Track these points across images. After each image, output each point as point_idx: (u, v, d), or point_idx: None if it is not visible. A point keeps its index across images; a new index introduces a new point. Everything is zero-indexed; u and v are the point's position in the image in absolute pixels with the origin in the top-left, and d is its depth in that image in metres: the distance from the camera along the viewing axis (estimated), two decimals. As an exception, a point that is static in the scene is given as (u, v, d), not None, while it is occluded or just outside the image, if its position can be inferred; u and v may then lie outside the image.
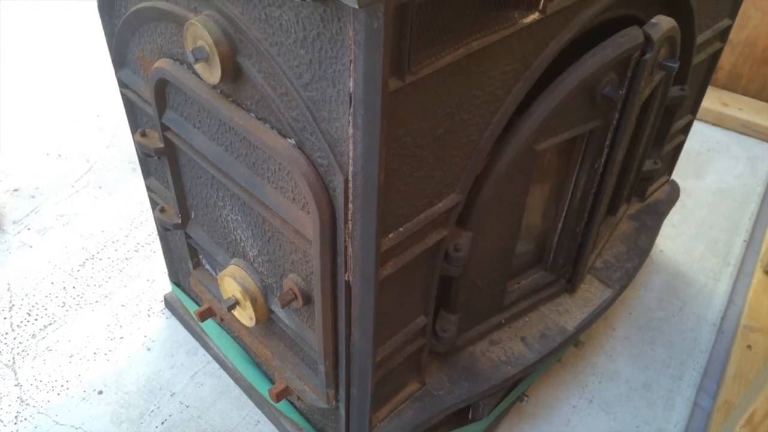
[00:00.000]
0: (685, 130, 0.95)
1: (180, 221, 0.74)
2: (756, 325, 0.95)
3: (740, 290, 1.03)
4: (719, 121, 1.39)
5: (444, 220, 0.56)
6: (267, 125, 0.52)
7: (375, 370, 0.61)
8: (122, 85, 0.70)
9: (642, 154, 0.82)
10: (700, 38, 0.78)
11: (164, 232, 0.83)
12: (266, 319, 0.69)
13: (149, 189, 0.80)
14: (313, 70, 0.44)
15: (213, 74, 0.51)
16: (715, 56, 0.86)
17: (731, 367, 0.88)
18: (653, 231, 0.93)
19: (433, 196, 0.54)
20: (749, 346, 0.91)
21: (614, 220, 0.87)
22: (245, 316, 0.69)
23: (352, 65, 0.41)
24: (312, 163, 0.49)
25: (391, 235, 0.51)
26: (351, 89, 0.42)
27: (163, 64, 0.59)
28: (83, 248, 1.05)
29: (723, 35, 0.84)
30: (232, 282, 0.67)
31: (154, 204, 0.81)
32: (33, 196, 1.16)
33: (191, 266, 0.79)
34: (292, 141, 0.50)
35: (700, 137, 1.36)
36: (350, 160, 0.46)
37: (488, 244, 0.65)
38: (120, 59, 0.68)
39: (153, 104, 0.64)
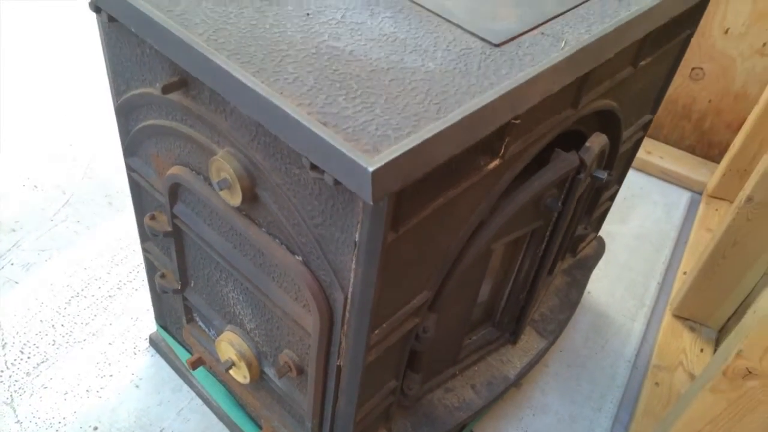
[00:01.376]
0: (612, 197, 1.10)
1: (179, 287, 0.83)
2: (663, 364, 1.12)
3: (652, 330, 1.21)
4: (643, 167, 1.57)
5: (417, 311, 0.69)
6: (277, 241, 0.63)
7: (355, 427, 0.73)
8: (131, 169, 0.79)
9: (574, 228, 0.97)
10: (625, 134, 0.93)
11: (159, 288, 0.93)
12: (259, 378, 0.80)
13: (146, 251, 0.89)
14: (324, 217, 0.56)
15: (234, 199, 0.62)
16: (638, 143, 1.02)
17: (641, 403, 1.05)
18: (582, 284, 1.09)
19: (411, 296, 0.66)
20: (657, 383, 1.09)
21: (551, 278, 1.02)
22: (240, 374, 0.80)
23: (359, 224, 0.53)
24: (316, 278, 0.61)
25: (377, 332, 0.63)
26: (356, 238, 0.54)
27: (179, 171, 0.69)
28: (68, 285, 1.13)
29: (645, 127, 1.00)
30: (228, 347, 0.78)
31: (150, 265, 0.90)
32: (13, 230, 1.21)
33: (184, 321, 0.89)
34: (300, 258, 0.61)
35: (627, 183, 1.53)
36: (350, 284, 0.58)
37: (450, 320, 0.78)
38: (131, 151, 0.77)
39: (165, 197, 0.73)
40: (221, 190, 0.61)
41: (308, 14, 0.62)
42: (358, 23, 0.62)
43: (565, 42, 0.64)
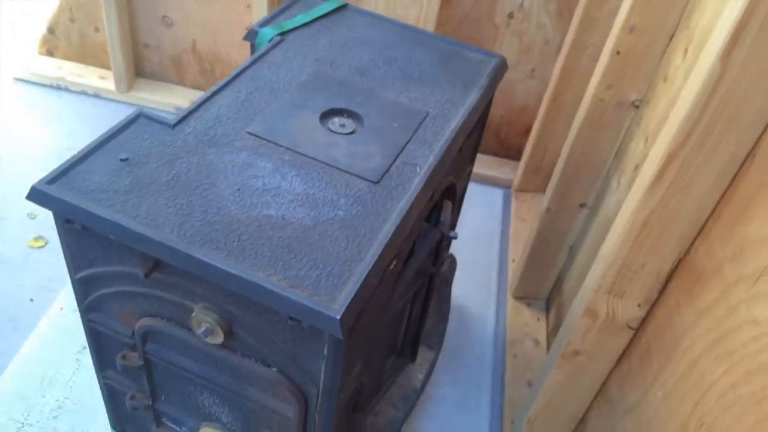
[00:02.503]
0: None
1: (151, 403, 0.99)
2: (515, 338, 1.48)
3: (501, 313, 1.57)
4: (463, 175, 1.92)
5: (358, 375, 0.94)
6: (253, 360, 0.83)
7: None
8: (91, 321, 0.93)
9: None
10: (459, 187, 1.24)
11: (129, 407, 1.07)
12: (239, 454, 0.99)
13: (106, 378, 1.03)
14: (296, 342, 0.78)
15: (215, 340, 0.81)
16: (466, 186, 1.33)
17: (508, 373, 1.40)
18: (448, 297, 1.40)
19: (354, 367, 0.91)
20: (515, 356, 1.44)
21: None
22: (222, 456, 0.99)
23: (326, 344, 0.76)
24: (292, 380, 0.83)
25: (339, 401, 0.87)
26: (325, 353, 0.77)
27: (151, 322, 0.86)
28: (10, 419, 1.20)
29: (470, 174, 1.31)
30: (210, 438, 0.97)
31: (110, 389, 1.04)
32: (-73, 381, 1.24)
33: (154, 426, 1.05)
34: (275, 369, 0.83)
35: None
36: (321, 380, 0.81)
37: (374, 367, 1.04)
38: (92, 309, 0.91)
39: (138, 343, 0.89)
40: (206, 337, 0.80)
41: (239, 189, 0.82)
42: (276, 188, 0.84)
43: (419, 167, 0.92)
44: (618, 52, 1.16)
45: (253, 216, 0.79)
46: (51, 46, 1.99)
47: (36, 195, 0.78)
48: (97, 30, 1.92)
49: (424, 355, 1.27)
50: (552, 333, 1.47)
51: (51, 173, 0.80)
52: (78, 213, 0.76)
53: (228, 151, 0.88)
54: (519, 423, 1.22)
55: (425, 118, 1.01)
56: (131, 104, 1.94)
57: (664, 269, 0.87)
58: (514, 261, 1.67)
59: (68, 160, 0.82)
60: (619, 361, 1.00)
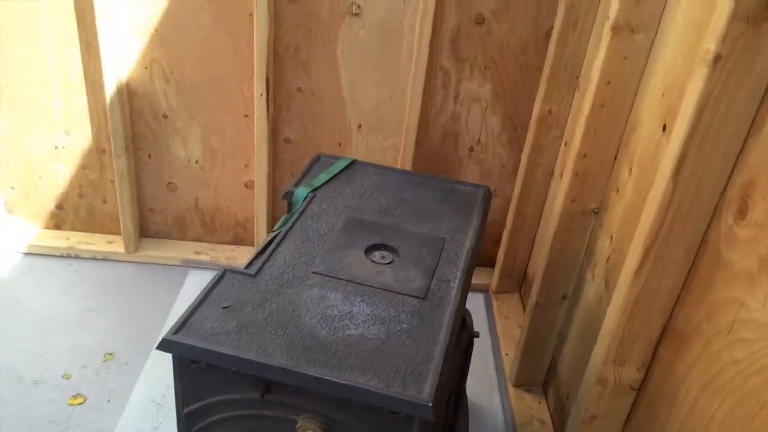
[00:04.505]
0: (461, 329, 1.64)
1: None
2: (523, 421, 1.67)
3: (506, 401, 1.76)
4: (448, 287, 2.17)
5: (425, 463, 1.10)
6: (349, 458, 1.00)
7: None
8: (193, 450, 1.07)
9: (458, 363, 1.48)
10: (466, 296, 1.47)
11: None
12: None
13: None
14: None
15: (319, 445, 0.98)
16: (469, 294, 1.57)
17: None
18: (465, 393, 1.59)
19: None
20: None
21: (451, 400, 1.50)
22: None
23: (416, 427, 0.94)
24: (384, 470, 0.99)
25: None
26: (414, 439, 0.95)
27: (256, 439, 1.02)
28: None
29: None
30: None
31: None
32: None
33: None
34: (369, 462, 0.99)
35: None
36: (411, 465, 0.98)
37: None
38: (197, 437, 1.06)
39: (240, 460, 1.04)
40: (312, 444, 0.97)
41: (321, 318, 1.03)
42: (349, 313, 1.05)
43: (452, 282, 1.15)
44: (576, 174, 1.47)
45: (340, 337, 1.00)
46: (59, 221, 2.17)
47: (166, 344, 0.96)
48: (104, 201, 2.13)
49: (460, 447, 1.44)
50: (554, 412, 1.66)
51: (173, 326, 0.98)
52: (204, 354, 0.94)
53: (303, 289, 1.09)
54: (551, 497, 1.39)
55: (444, 243, 1.26)
56: (140, 263, 2.12)
57: (653, 336, 1.12)
58: (507, 354, 1.89)
59: (184, 313, 1.01)
60: (627, 419, 1.21)
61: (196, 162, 2.10)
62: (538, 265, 1.81)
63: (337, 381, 0.91)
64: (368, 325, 1.03)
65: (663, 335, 1.11)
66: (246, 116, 2.03)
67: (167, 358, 1.71)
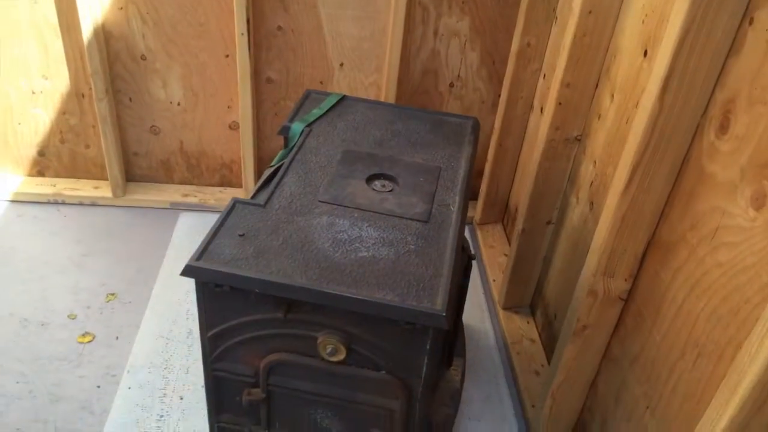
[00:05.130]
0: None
1: (267, 433, 1.20)
2: (514, 340, 1.78)
3: (496, 323, 1.86)
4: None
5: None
6: (365, 368, 1.08)
7: (419, 456, 1.20)
8: (216, 370, 1.14)
9: (452, 286, 1.56)
10: (458, 223, 1.54)
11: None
12: (346, 461, 1.21)
13: (221, 422, 1.22)
14: (405, 343, 1.03)
15: (338, 357, 1.05)
16: (459, 222, 1.64)
17: (516, 367, 1.69)
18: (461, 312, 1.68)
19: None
20: (518, 353, 1.73)
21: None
22: (333, 465, 1.20)
23: (429, 339, 1.02)
24: (399, 378, 1.07)
25: (429, 392, 1.13)
26: (428, 346, 1.03)
27: (277, 357, 1.08)
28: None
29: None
30: (322, 451, 1.18)
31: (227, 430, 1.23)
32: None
33: (265, 457, 1.24)
34: (384, 372, 1.07)
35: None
36: (423, 372, 1.06)
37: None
38: (218, 359, 1.12)
39: (262, 377, 1.11)
40: (332, 357, 1.04)
41: (333, 242, 1.09)
42: (359, 237, 1.11)
43: (451, 206, 1.22)
44: (560, 103, 1.53)
45: (353, 258, 1.06)
46: (42, 167, 2.15)
47: (191, 270, 1.00)
48: (87, 147, 2.12)
49: (456, 361, 1.53)
50: (543, 330, 1.78)
51: (195, 253, 1.03)
52: (228, 278, 1.00)
53: (312, 217, 1.14)
54: (539, 404, 1.50)
55: (440, 171, 1.31)
56: (128, 207, 2.13)
57: (639, 250, 1.21)
58: (494, 280, 1.99)
59: (202, 242, 1.05)
60: (616, 327, 1.32)
61: (178, 104, 2.09)
62: (522, 194, 1.89)
63: (356, 297, 0.98)
64: (378, 247, 1.09)
65: (649, 247, 1.20)
66: (227, 56, 2.02)
67: (171, 295, 1.75)
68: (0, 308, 1.69)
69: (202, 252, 1.03)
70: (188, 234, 2.02)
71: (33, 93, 2.02)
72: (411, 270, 1.05)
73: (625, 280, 1.25)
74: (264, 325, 1.06)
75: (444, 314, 0.96)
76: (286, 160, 1.29)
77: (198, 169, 2.22)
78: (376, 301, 0.97)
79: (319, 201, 1.18)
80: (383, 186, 1.25)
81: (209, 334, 1.09)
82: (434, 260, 1.07)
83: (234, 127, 2.14)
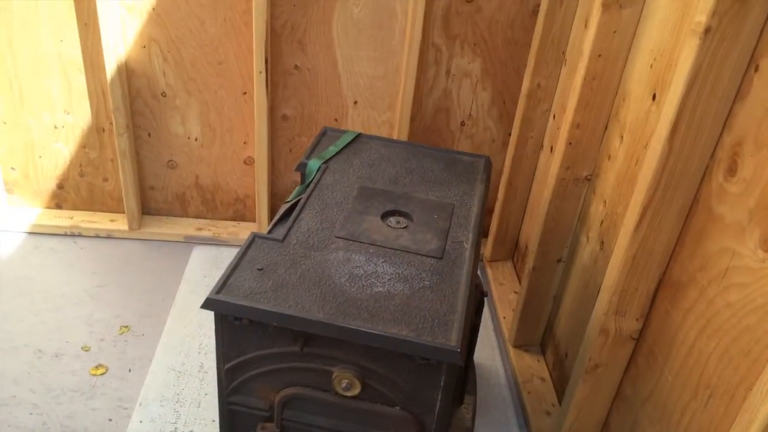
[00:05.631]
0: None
1: (279, 467, 1.20)
2: (524, 378, 1.78)
3: (506, 361, 1.86)
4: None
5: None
6: (379, 403, 1.09)
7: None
8: (231, 404, 1.15)
9: (464, 323, 1.57)
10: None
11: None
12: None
13: (233, 457, 1.22)
14: (419, 380, 1.05)
15: (353, 392, 1.06)
16: (471, 259, 1.66)
17: (527, 406, 1.69)
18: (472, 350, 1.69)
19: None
20: (529, 392, 1.73)
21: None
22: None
23: (443, 375, 1.03)
24: (413, 414, 1.08)
25: (442, 429, 1.13)
26: (441, 383, 1.04)
27: (292, 391, 1.10)
28: None
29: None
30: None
31: (239, 465, 1.23)
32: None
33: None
34: (398, 408, 1.08)
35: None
36: (437, 407, 1.07)
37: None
38: (234, 392, 1.13)
39: (276, 411, 1.12)
40: (347, 391, 1.05)
41: (349, 277, 1.11)
42: (374, 272, 1.13)
43: (465, 243, 1.24)
44: (570, 143, 1.57)
45: (369, 294, 1.08)
46: (60, 200, 2.20)
47: (211, 303, 1.03)
48: (105, 180, 2.17)
49: (467, 399, 1.54)
50: (553, 369, 1.78)
51: (215, 286, 1.05)
52: (247, 311, 1.02)
53: (328, 252, 1.17)
54: (552, 443, 1.50)
55: (454, 208, 1.34)
56: (143, 239, 2.16)
57: (650, 289, 1.22)
58: (504, 318, 2.00)
59: (222, 275, 1.08)
60: (627, 367, 1.32)
61: (196, 139, 2.14)
62: (532, 232, 1.91)
63: (372, 331, 0.99)
64: (393, 283, 1.11)
65: (660, 287, 1.22)
66: (244, 94, 2.08)
67: (183, 328, 1.77)
68: (15, 339, 1.71)
69: (222, 285, 1.05)
70: (202, 267, 2.05)
71: (55, 127, 2.07)
72: (426, 306, 1.06)
73: (637, 319, 1.26)
74: (280, 358, 1.08)
75: (459, 350, 0.98)
76: (304, 196, 1.32)
77: (212, 203, 2.26)
78: (391, 336, 0.99)
79: (336, 236, 1.21)
80: (398, 222, 1.28)
81: (226, 366, 1.11)
82: (449, 296, 1.09)
83: (249, 162, 2.19)
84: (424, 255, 1.19)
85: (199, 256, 2.11)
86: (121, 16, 1.91)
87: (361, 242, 1.20)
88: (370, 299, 1.06)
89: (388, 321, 1.02)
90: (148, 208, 2.24)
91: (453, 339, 1.00)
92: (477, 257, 1.24)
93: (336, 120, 2.15)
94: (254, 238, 1.18)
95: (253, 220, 2.27)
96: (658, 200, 1.13)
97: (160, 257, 2.10)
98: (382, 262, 1.15)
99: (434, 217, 1.30)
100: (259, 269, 1.10)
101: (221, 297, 1.03)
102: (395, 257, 1.17)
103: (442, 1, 1.99)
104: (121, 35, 1.94)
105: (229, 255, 2.12)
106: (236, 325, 1.05)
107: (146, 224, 2.20)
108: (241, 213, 2.29)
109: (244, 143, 2.15)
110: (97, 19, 1.87)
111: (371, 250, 1.18)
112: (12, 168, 2.13)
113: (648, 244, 1.17)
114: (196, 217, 2.27)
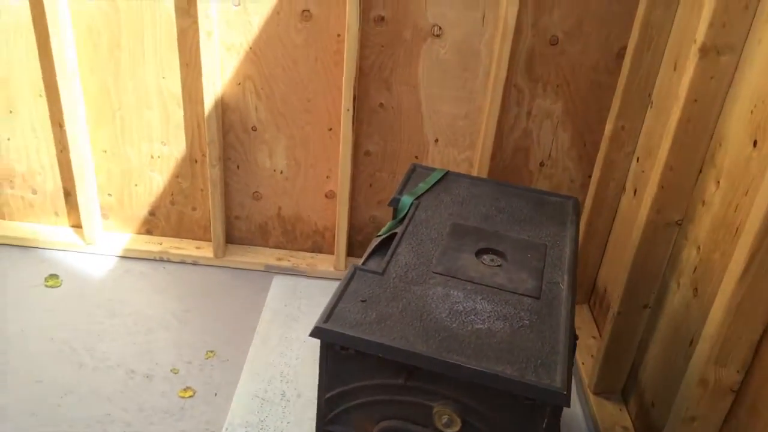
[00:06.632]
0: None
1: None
2: (605, 426, 1.74)
3: (587, 409, 1.82)
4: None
5: None
6: (477, 442, 1.09)
7: None
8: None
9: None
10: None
11: None
12: None
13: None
14: (518, 422, 1.04)
15: (453, 428, 1.07)
16: (556, 300, 1.65)
17: None
18: (552, 395, 1.67)
19: None
20: (613, 441, 1.69)
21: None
22: None
23: (546, 417, 1.03)
24: (511, 454, 1.08)
25: None
26: (544, 424, 1.03)
27: (389, 424, 1.11)
28: None
29: (558, 290, 1.64)
30: None
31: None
32: None
33: None
34: (496, 447, 1.08)
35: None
36: (536, 450, 1.06)
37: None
38: (332, 422, 1.16)
39: (373, 443, 1.14)
40: (447, 428, 1.06)
41: (450, 313, 1.13)
42: (473, 309, 1.14)
43: (561, 284, 1.24)
44: (662, 187, 1.56)
45: (470, 330, 1.09)
46: (151, 226, 2.30)
47: (319, 332, 1.06)
48: (194, 209, 2.26)
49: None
50: (637, 419, 1.73)
51: (322, 316, 1.09)
52: (355, 341, 1.04)
53: (427, 287, 1.19)
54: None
55: (546, 248, 1.35)
56: (226, 267, 2.24)
57: (755, 338, 1.19)
58: (583, 363, 1.96)
59: (328, 305, 1.11)
60: (726, 420, 1.28)
61: (281, 172, 2.22)
62: (613, 275, 1.89)
63: (478, 368, 1.00)
64: (493, 321, 1.12)
65: (764, 336, 1.18)
66: (329, 130, 2.15)
67: (266, 356, 1.82)
68: (110, 358, 1.79)
69: (329, 315, 1.09)
70: (282, 297, 2.10)
71: (152, 157, 2.18)
72: (527, 345, 1.07)
73: (738, 371, 1.22)
74: (382, 390, 1.09)
75: (565, 392, 0.98)
76: (399, 231, 1.36)
77: (292, 234, 2.32)
78: (497, 374, 1.00)
79: (433, 272, 1.23)
80: (492, 260, 1.29)
81: (327, 396, 1.13)
82: (549, 337, 1.09)
83: (330, 195, 2.25)
84: (521, 294, 1.19)
85: (279, 285, 2.17)
86: (221, 55, 2.02)
87: (458, 278, 1.22)
88: (472, 336, 1.07)
89: (491, 359, 1.03)
90: (231, 236, 2.32)
91: (558, 380, 1.00)
92: (574, 299, 1.24)
93: (416, 157, 2.20)
94: (355, 270, 1.22)
95: (331, 252, 2.32)
96: (767, 248, 1.11)
97: (242, 285, 2.16)
98: (480, 300, 1.17)
99: (527, 256, 1.31)
100: (362, 301, 1.13)
101: (329, 326, 1.06)
102: (492, 295, 1.18)
103: (526, 43, 2.02)
104: (219, 72, 2.04)
105: (307, 285, 2.17)
106: (341, 355, 1.08)
107: (230, 252, 2.28)
108: (320, 245, 2.34)
109: (327, 177, 2.22)
110: (199, 58, 1.98)
111: (468, 287, 1.20)
112: (109, 194, 2.25)
113: (755, 292, 1.15)
114: (276, 247, 2.33)
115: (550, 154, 2.18)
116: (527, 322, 1.12)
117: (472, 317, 1.12)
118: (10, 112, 2.12)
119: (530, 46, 2.02)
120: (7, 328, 1.86)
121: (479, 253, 1.31)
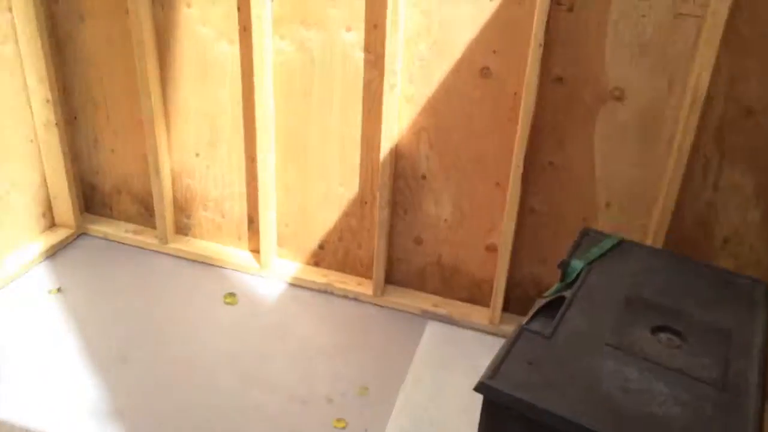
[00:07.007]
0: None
1: None
2: None
3: None
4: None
5: None
6: None
7: None
8: None
9: None
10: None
11: None
12: None
13: None
14: None
15: None
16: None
17: None
18: None
19: None
20: None
21: None
22: None
23: None
24: None
25: None
26: None
27: (547, 494, 1.08)
28: None
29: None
30: None
31: None
32: None
33: None
34: None
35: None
36: None
37: None
38: (486, 481, 1.15)
39: None
40: None
41: (621, 390, 1.08)
42: (648, 390, 1.09)
43: (749, 377, 1.14)
44: None
45: (643, 413, 1.04)
46: (318, 259, 2.45)
47: (484, 388, 1.07)
48: (359, 247, 2.38)
49: None
50: None
51: (487, 372, 1.09)
52: (520, 404, 1.04)
53: (598, 359, 1.15)
54: None
55: (731, 334, 1.25)
56: (384, 306, 2.32)
57: None
58: None
59: (493, 362, 1.12)
60: None
61: (445, 220, 2.27)
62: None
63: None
64: (669, 406, 1.06)
65: None
66: (497, 184, 2.17)
67: (416, 399, 1.84)
68: (272, 380, 1.91)
69: (495, 372, 1.09)
70: (435, 343, 2.12)
71: (327, 196, 2.34)
72: (706, 438, 1.00)
73: None
74: (541, 457, 1.07)
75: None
76: (569, 295, 1.33)
77: (450, 282, 2.35)
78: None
79: (605, 344, 1.19)
80: (670, 340, 1.23)
81: (485, 452, 1.13)
82: (731, 432, 1.01)
83: (491, 249, 2.25)
84: (703, 382, 1.12)
85: (433, 331, 2.20)
86: (400, 106, 2.14)
87: (632, 354, 1.17)
88: (647, 419, 1.02)
89: (669, 444, 0.97)
90: (391, 277, 2.40)
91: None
92: (764, 395, 1.14)
93: (584, 219, 2.15)
94: (522, 330, 1.21)
95: (486, 305, 2.31)
96: None
97: (398, 326, 2.22)
98: (655, 381, 1.11)
99: (710, 340, 1.23)
100: (528, 363, 1.12)
101: (494, 383, 1.07)
102: (670, 377, 1.12)
103: (717, 111, 1.92)
104: (397, 122, 2.15)
105: (461, 335, 2.18)
106: (503, 414, 1.08)
107: (388, 292, 2.35)
108: (475, 296, 2.34)
109: (489, 230, 2.23)
110: (380, 108, 2.11)
111: (643, 365, 1.15)
112: (286, 225, 2.43)
113: None
114: (433, 293, 2.37)
115: (736, 231, 2.03)
116: (709, 414, 1.05)
117: (647, 398, 1.07)
118: (214, 144, 2.39)
119: (721, 114, 1.92)
120: (189, 337, 2.06)
121: (655, 330, 1.25)
